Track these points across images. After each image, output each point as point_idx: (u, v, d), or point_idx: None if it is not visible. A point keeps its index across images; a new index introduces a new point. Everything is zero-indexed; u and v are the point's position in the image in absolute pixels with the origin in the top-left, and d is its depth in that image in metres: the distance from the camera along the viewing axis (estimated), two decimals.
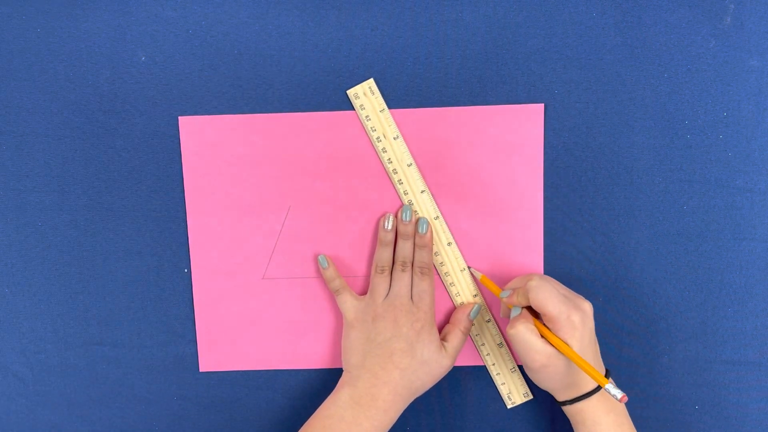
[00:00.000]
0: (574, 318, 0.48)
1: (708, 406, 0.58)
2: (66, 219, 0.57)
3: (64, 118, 0.56)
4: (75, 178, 0.56)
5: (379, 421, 0.50)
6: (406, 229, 0.54)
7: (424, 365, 0.52)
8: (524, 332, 0.48)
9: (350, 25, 0.55)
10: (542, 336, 0.49)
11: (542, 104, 0.55)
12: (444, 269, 0.56)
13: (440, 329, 0.56)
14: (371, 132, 0.55)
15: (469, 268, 0.56)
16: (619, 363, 0.57)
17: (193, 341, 0.58)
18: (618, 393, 0.45)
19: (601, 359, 0.51)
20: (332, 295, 0.57)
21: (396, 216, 0.55)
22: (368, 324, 0.53)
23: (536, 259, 0.56)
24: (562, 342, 0.48)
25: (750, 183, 0.56)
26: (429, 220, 0.55)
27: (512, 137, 0.55)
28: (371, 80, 0.54)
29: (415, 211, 0.55)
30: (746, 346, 0.57)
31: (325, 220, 0.56)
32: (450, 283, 0.56)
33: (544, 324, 0.49)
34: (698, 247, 0.56)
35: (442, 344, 0.53)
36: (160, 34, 0.55)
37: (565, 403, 0.51)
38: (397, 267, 0.54)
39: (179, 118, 0.55)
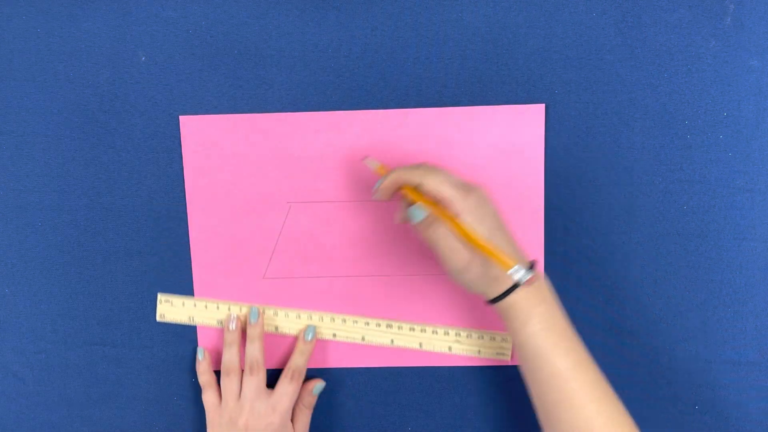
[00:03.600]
0: (471, 200, 0.45)
1: (708, 406, 0.58)
2: (66, 219, 0.57)
3: (64, 118, 0.56)
4: (75, 178, 0.56)
5: None
6: (254, 331, 0.55)
7: None
8: (446, 232, 0.46)
9: (350, 25, 0.55)
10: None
11: (543, 104, 0.55)
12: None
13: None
14: None
15: (366, 158, 0.52)
16: (619, 363, 0.57)
17: (193, 341, 0.58)
18: (527, 274, 0.43)
19: (517, 249, 0.47)
20: (332, 297, 0.57)
21: (236, 318, 0.56)
22: (223, 427, 0.54)
23: (536, 258, 0.56)
24: (465, 229, 0.45)
25: (750, 183, 0.56)
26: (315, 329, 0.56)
27: (513, 137, 0.55)
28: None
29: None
30: (746, 346, 0.57)
31: (326, 220, 0.56)
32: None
33: (446, 214, 0.46)
34: (698, 247, 0.56)
35: (293, 429, 0.55)
36: (160, 34, 0.55)
37: (494, 301, 0.47)
38: (246, 371, 0.54)
39: (180, 117, 0.55)
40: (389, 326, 0.57)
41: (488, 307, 0.49)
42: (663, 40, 0.55)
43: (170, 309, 0.57)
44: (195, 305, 0.57)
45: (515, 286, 0.46)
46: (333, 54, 0.55)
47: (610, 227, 0.56)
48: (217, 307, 0.57)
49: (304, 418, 0.56)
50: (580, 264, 0.56)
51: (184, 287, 0.57)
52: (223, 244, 0.57)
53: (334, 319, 0.57)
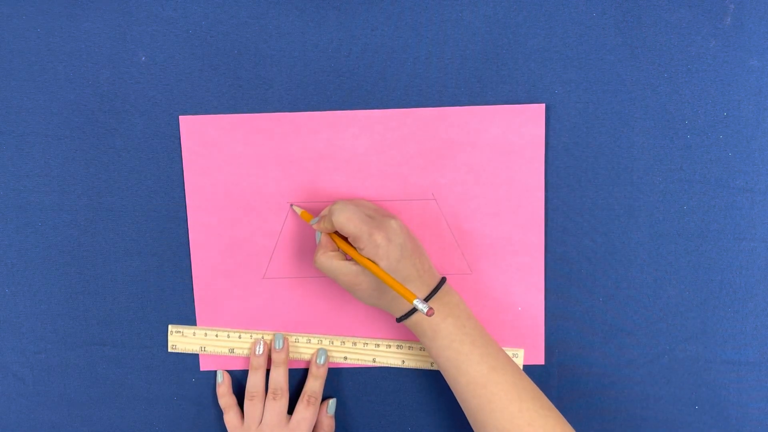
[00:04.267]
0: (377, 237, 0.48)
1: (708, 406, 0.58)
2: (66, 219, 0.57)
3: (64, 118, 0.56)
4: (75, 178, 0.56)
5: None
6: (279, 356, 0.56)
7: None
8: (324, 258, 0.50)
9: (350, 25, 0.55)
10: (350, 258, 0.50)
11: (543, 104, 0.55)
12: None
13: None
14: None
15: (292, 205, 0.56)
16: (619, 363, 0.57)
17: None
18: (424, 307, 0.45)
19: (431, 268, 0.51)
20: (333, 295, 0.57)
21: (263, 343, 0.56)
22: None
23: (537, 259, 0.56)
24: (369, 261, 0.48)
25: (750, 183, 0.56)
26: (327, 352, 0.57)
27: (513, 137, 0.55)
28: None
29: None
30: (746, 346, 0.57)
31: None
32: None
33: (351, 246, 0.50)
34: (698, 247, 0.56)
35: None
36: (160, 34, 0.55)
37: (400, 319, 0.51)
38: (269, 396, 0.55)
39: (180, 117, 0.55)
40: (399, 347, 0.57)
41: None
42: (663, 40, 0.55)
43: (181, 339, 0.57)
44: (206, 335, 0.57)
45: (409, 314, 0.50)
46: (333, 54, 0.55)
47: (610, 227, 0.56)
48: (228, 336, 0.57)
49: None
50: (580, 264, 0.56)
51: (184, 287, 0.57)
52: (223, 244, 0.57)
53: (344, 342, 0.57)
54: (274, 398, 0.55)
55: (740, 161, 0.55)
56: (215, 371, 0.58)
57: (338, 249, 0.51)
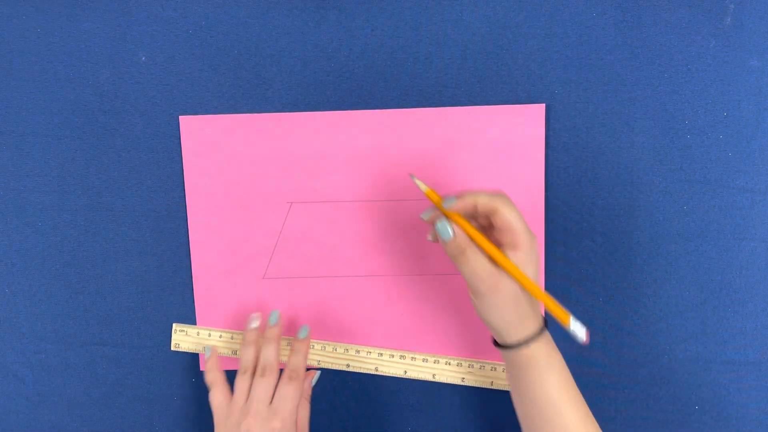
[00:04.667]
0: (534, 244, 0.45)
1: (708, 406, 0.58)
2: (66, 219, 0.57)
3: (64, 118, 0.56)
4: (75, 178, 0.56)
5: None
6: (272, 332, 0.54)
7: None
8: (471, 255, 0.45)
9: (350, 25, 0.55)
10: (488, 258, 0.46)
11: (543, 104, 0.55)
12: None
13: None
14: None
15: (412, 175, 0.49)
16: (619, 363, 0.57)
17: None
18: (581, 331, 0.44)
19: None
20: (333, 296, 0.57)
21: (258, 317, 0.55)
22: (228, 428, 0.53)
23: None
24: (516, 267, 0.45)
25: (750, 183, 0.56)
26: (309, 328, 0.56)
27: (514, 137, 0.55)
28: None
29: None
30: (746, 346, 0.57)
31: (326, 220, 0.56)
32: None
33: (494, 246, 0.46)
34: (698, 247, 0.56)
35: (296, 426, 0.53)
36: (160, 34, 0.55)
37: (519, 344, 0.47)
38: (258, 372, 0.53)
39: (180, 117, 0.55)
40: (402, 357, 0.57)
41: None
42: (663, 40, 0.55)
43: (184, 338, 0.57)
44: (210, 335, 0.57)
45: (534, 337, 0.46)
46: (333, 54, 0.55)
47: (610, 227, 0.56)
48: (231, 337, 0.57)
49: (305, 413, 0.55)
50: (580, 264, 0.56)
51: (184, 287, 0.57)
52: (223, 244, 0.57)
53: (347, 350, 0.57)
54: (262, 375, 0.53)
55: (740, 161, 0.55)
56: (204, 346, 0.56)
57: (474, 245, 0.46)
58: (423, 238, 0.56)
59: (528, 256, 0.45)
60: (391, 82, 0.55)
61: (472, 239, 0.46)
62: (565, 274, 0.56)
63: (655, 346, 0.57)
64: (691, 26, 0.54)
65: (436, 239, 0.48)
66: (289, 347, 0.57)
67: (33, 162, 0.56)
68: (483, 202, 0.45)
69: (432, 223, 0.47)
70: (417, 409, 0.58)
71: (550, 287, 0.56)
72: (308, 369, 0.57)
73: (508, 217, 0.45)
